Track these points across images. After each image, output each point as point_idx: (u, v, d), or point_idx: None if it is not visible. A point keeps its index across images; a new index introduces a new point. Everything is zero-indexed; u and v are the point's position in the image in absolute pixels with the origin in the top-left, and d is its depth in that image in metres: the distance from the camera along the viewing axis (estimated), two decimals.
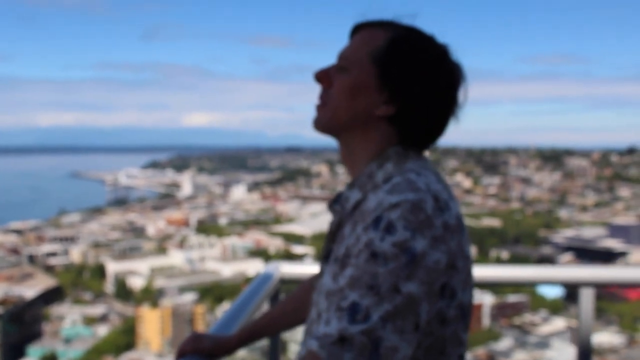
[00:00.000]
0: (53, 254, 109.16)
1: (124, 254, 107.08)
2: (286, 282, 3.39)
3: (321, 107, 1.69)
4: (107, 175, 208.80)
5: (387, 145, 1.63)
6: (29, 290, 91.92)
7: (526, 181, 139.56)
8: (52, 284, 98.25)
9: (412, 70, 1.60)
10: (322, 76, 1.69)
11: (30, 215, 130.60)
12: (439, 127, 1.66)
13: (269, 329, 2.18)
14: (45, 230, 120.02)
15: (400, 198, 1.42)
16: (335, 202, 1.69)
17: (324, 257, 1.67)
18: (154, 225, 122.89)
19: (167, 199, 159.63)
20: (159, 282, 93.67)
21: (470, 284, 1.55)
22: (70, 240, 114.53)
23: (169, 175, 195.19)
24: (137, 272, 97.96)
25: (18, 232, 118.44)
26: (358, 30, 1.73)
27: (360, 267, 1.39)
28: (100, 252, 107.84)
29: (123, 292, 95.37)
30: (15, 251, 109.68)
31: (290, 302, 2.20)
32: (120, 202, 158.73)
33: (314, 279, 1.88)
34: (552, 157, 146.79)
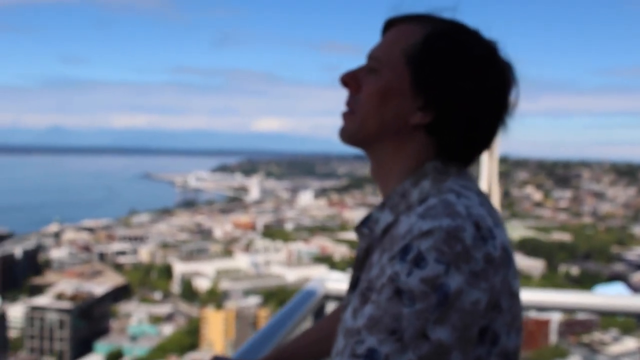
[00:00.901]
0: (122, 253, 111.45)
1: (191, 255, 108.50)
2: (331, 298, 3.19)
3: (348, 115, 1.48)
4: (177, 177, 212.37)
5: (424, 159, 1.43)
6: (99, 287, 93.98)
7: (599, 196, 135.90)
8: (120, 282, 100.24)
9: (452, 71, 1.39)
10: (349, 79, 1.49)
11: (102, 214, 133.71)
12: (485, 138, 1.44)
13: (298, 357, 1.95)
14: (115, 229, 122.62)
15: (434, 224, 1.23)
16: (363, 225, 1.46)
17: (351, 287, 1.46)
18: (221, 228, 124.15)
19: (234, 202, 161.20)
20: (224, 285, 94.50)
21: (518, 326, 1.33)
22: (140, 239, 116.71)
23: (238, 179, 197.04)
24: (203, 273, 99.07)
25: (90, 230, 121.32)
26: (391, 25, 1.52)
27: (381, 305, 1.22)
28: (168, 253, 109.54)
29: (189, 292, 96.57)
30: (86, 248, 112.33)
31: (317, 331, 1.99)
32: (189, 204, 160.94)
33: (341, 309, 1.73)
34: (627, 172, 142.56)
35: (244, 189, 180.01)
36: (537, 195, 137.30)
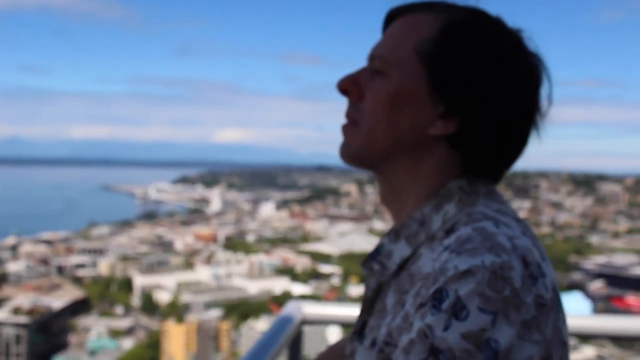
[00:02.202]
0: (82, 266, 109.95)
1: (152, 268, 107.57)
2: (309, 323, 3.15)
3: (350, 128, 1.25)
4: (137, 188, 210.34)
5: (446, 177, 1.20)
6: (57, 301, 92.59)
7: (557, 206, 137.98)
8: (79, 295, 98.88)
9: (477, 69, 1.16)
10: (350, 85, 1.25)
11: (60, 226, 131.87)
12: (517, 148, 1.23)
13: None
14: (74, 241, 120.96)
15: (474, 262, 1.01)
16: (372, 259, 1.23)
17: (356, 332, 1.25)
18: (182, 240, 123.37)
19: (196, 214, 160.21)
20: (185, 297, 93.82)
21: None
22: (99, 252, 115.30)
23: (199, 191, 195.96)
24: (164, 286, 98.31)
25: (48, 242, 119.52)
26: (396, 16, 1.27)
27: None
28: (128, 265, 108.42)
29: (149, 305, 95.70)
30: (44, 261, 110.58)
31: None
32: (150, 216, 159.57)
33: (338, 350, 1.55)
34: (584, 182, 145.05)
35: (205, 201, 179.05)
36: None
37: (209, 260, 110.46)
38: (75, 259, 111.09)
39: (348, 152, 1.24)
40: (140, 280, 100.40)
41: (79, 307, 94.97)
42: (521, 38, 1.21)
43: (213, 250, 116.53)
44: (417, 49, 1.18)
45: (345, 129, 1.25)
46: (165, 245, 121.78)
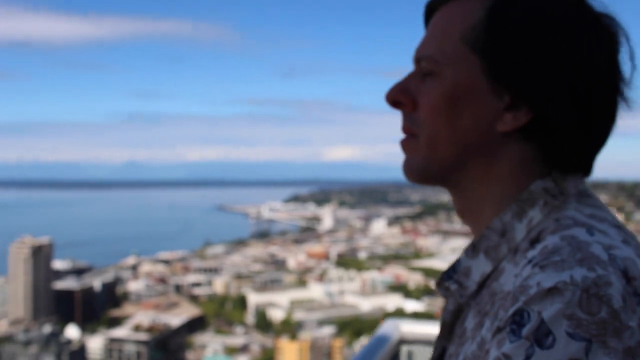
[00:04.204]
0: (198, 284, 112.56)
1: (265, 286, 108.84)
2: (407, 343, 2.96)
3: (409, 143, 1.09)
4: (250, 208, 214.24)
5: (526, 177, 1.02)
6: (175, 319, 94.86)
7: None
8: (196, 313, 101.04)
9: (538, 46, 0.98)
10: (399, 95, 1.09)
11: (177, 246, 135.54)
12: (605, 127, 1.04)
13: None
14: (191, 261, 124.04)
15: (562, 277, 0.84)
16: (448, 277, 1.06)
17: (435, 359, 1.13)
18: (295, 258, 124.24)
19: (308, 232, 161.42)
20: (299, 315, 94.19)
21: None
22: (214, 271, 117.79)
23: (310, 209, 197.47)
24: (278, 304, 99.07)
25: (166, 262, 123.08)
26: (435, 10, 1.12)
27: None
28: (243, 284, 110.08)
29: (263, 323, 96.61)
30: (163, 280, 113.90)
31: None
32: (263, 234, 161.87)
33: None
34: None
35: (317, 219, 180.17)
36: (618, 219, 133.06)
37: (321, 277, 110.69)
38: (191, 278, 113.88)
39: (411, 169, 1.08)
40: (254, 298, 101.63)
41: (196, 325, 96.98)
42: (584, 1, 1.03)
43: (325, 267, 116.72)
44: (465, 39, 1.03)
45: (404, 144, 1.09)
46: (278, 264, 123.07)
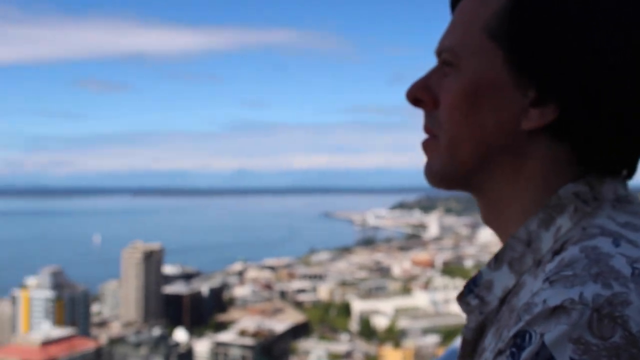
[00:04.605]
0: (302, 291, 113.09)
1: (370, 293, 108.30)
2: None
3: (429, 145, 1.00)
4: (355, 215, 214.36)
5: (556, 180, 0.91)
6: (279, 324, 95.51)
7: None
8: (300, 319, 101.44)
9: (568, 33, 0.87)
10: (419, 92, 0.99)
11: (283, 253, 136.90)
12: None
13: None
14: (296, 267, 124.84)
15: (570, 295, 0.74)
16: (469, 291, 0.96)
17: None
18: (400, 265, 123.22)
19: (413, 239, 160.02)
20: (403, 323, 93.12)
21: None
22: (319, 277, 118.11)
23: (416, 216, 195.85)
24: (382, 311, 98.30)
25: (272, 268, 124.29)
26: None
27: None
28: (347, 291, 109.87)
29: (367, 330, 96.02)
30: (268, 286, 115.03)
31: None
32: (368, 242, 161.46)
33: None
34: None
35: (422, 226, 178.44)
36: None
37: (426, 285, 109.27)
38: (296, 284, 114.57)
39: (432, 173, 0.99)
40: (358, 305, 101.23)
41: (300, 331, 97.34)
42: None
43: (431, 275, 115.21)
44: (488, 28, 0.92)
45: (425, 145, 1.00)
46: (383, 271, 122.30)
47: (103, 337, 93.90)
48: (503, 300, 0.90)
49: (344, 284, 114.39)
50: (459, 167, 0.95)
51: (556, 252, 0.84)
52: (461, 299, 0.96)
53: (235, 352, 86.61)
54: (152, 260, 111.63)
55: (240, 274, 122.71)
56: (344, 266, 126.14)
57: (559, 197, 0.89)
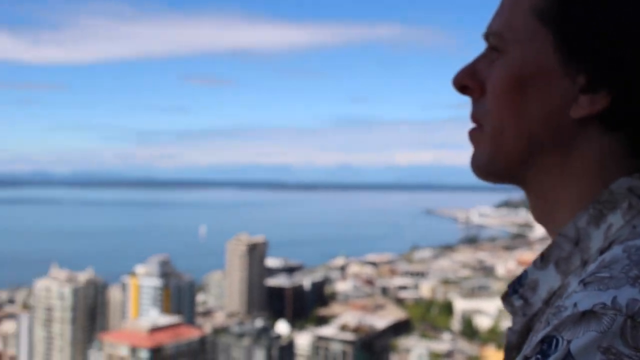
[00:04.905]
0: (404, 288, 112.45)
1: (473, 292, 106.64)
2: None
3: (475, 134, 0.95)
4: (459, 213, 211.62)
5: (608, 174, 0.85)
6: (380, 321, 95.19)
7: None
8: (401, 316, 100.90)
9: (621, 14, 0.81)
10: (466, 79, 0.94)
11: (385, 249, 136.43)
12: None
13: None
14: (398, 264, 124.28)
15: (602, 299, 0.68)
16: (513, 292, 0.90)
17: None
18: (504, 265, 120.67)
19: (518, 239, 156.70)
20: (506, 324, 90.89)
21: None
22: (421, 275, 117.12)
23: (522, 215, 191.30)
24: (485, 311, 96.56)
25: (374, 264, 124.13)
26: None
27: None
28: (449, 289, 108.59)
29: (469, 330, 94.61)
30: (370, 282, 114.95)
31: None
32: (471, 240, 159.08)
33: None
34: None
35: (528, 225, 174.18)
36: None
37: None
38: (398, 281, 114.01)
39: (478, 165, 0.94)
40: (460, 304, 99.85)
41: (401, 328, 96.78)
42: None
43: None
44: (535, 10, 0.86)
45: (472, 135, 0.95)
46: (487, 270, 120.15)
47: (207, 326, 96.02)
48: (547, 302, 0.85)
49: (446, 282, 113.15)
50: (504, 159, 0.90)
51: (603, 252, 0.79)
52: (505, 299, 0.91)
53: (335, 346, 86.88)
54: (255, 252, 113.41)
55: (342, 268, 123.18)
56: (446, 264, 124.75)
57: (611, 192, 0.83)
